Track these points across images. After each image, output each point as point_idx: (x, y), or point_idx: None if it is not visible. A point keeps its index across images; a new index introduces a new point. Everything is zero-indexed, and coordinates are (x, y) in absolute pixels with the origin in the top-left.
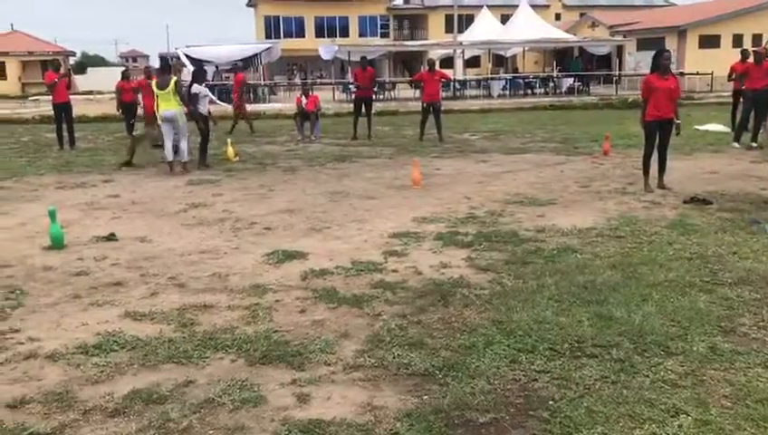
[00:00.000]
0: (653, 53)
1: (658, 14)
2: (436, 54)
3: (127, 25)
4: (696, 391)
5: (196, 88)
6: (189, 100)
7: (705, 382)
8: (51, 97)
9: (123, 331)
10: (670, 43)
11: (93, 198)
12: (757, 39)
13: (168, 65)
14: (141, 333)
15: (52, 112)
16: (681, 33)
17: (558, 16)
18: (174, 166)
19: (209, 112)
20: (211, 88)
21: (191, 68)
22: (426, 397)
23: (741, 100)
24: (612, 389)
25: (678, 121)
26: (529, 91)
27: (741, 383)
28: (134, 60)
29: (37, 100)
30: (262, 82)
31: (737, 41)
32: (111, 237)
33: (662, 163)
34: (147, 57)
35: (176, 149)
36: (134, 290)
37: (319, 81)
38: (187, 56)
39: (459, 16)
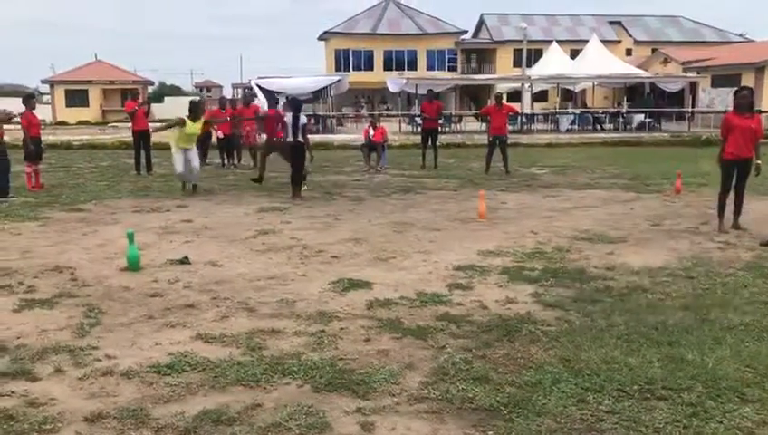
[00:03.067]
0: (728, 89)
1: (734, 51)
2: (503, 88)
3: (202, 56)
4: None
5: (304, 119)
6: (303, 132)
7: None
8: (130, 124)
9: (194, 352)
10: (747, 80)
11: (168, 222)
12: None
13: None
14: (212, 354)
15: (131, 139)
16: (759, 69)
17: (629, 52)
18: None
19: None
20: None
21: (262, 98)
22: (490, 433)
23: None
24: (684, 433)
25: (759, 162)
26: (598, 127)
27: None
28: (208, 90)
29: (116, 126)
30: (330, 114)
31: None
32: (185, 261)
33: (738, 203)
34: (220, 87)
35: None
36: (205, 313)
37: (386, 113)
38: (259, 87)
39: (528, 51)
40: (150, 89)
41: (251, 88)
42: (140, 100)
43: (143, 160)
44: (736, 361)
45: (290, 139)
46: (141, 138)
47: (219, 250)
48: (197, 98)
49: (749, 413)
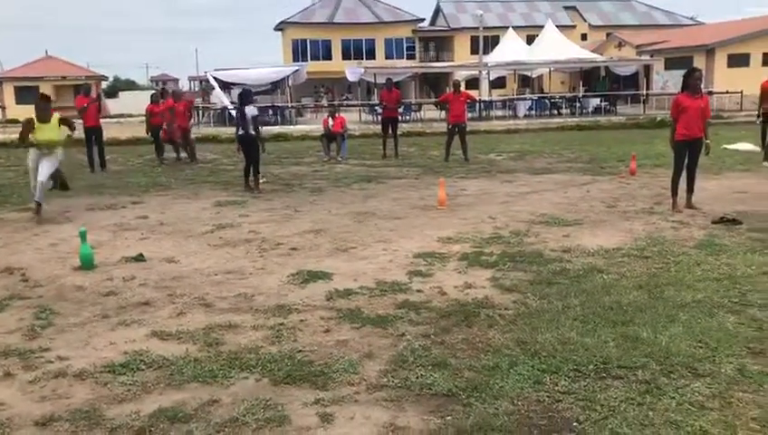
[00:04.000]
0: (681, 72)
1: (686, 34)
2: (461, 75)
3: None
4: (724, 414)
5: (251, 110)
6: (253, 123)
7: (733, 405)
8: (82, 121)
9: (150, 350)
10: (698, 62)
11: (122, 220)
12: None
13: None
14: (168, 352)
15: (83, 136)
16: (709, 51)
17: (584, 36)
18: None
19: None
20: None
21: (219, 91)
22: (449, 418)
23: None
24: (638, 411)
25: (708, 141)
26: (555, 112)
27: None
28: (164, 83)
29: None
30: (289, 105)
31: (767, 59)
32: (140, 258)
33: (691, 183)
34: (176, 81)
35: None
36: (161, 310)
37: (345, 102)
38: (216, 79)
39: (485, 38)
40: (105, 84)
41: (207, 81)
42: (92, 95)
43: (96, 157)
44: (689, 337)
45: (240, 131)
46: (93, 134)
47: (175, 246)
48: (46, 91)
49: (700, 388)
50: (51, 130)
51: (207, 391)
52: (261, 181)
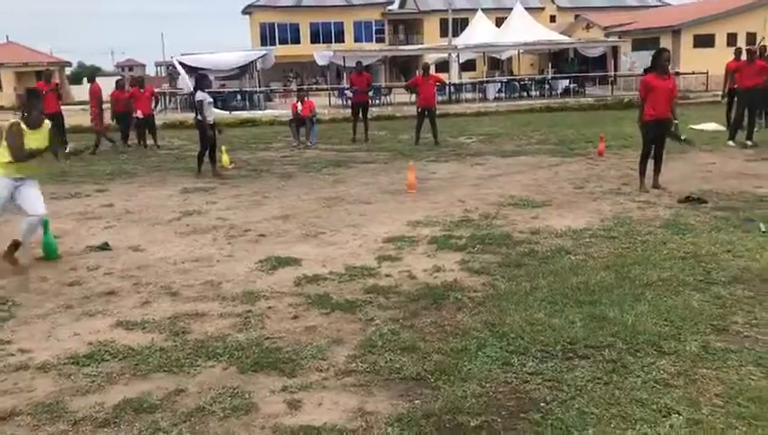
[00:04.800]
0: (648, 53)
1: (653, 15)
2: (431, 58)
3: (123, 35)
4: (688, 391)
5: (200, 95)
6: (200, 108)
7: (698, 382)
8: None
9: (115, 340)
10: (665, 43)
11: (87, 208)
12: (751, 37)
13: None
14: (133, 342)
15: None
16: (676, 32)
17: (553, 18)
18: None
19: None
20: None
21: (185, 76)
22: (417, 401)
23: (735, 98)
24: (604, 390)
25: (676, 121)
26: (524, 94)
27: (733, 382)
28: (131, 69)
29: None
30: (258, 89)
31: (731, 40)
32: (105, 247)
33: (658, 163)
34: (143, 66)
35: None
36: (126, 299)
37: (315, 86)
38: (182, 64)
39: (454, 20)
40: (68, 70)
41: (174, 66)
42: (55, 82)
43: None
44: (655, 315)
45: (199, 117)
46: (52, 121)
47: (141, 234)
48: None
49: (665, 365)
50: (41, 141)
51: (173, 380)
52: (230, 167)
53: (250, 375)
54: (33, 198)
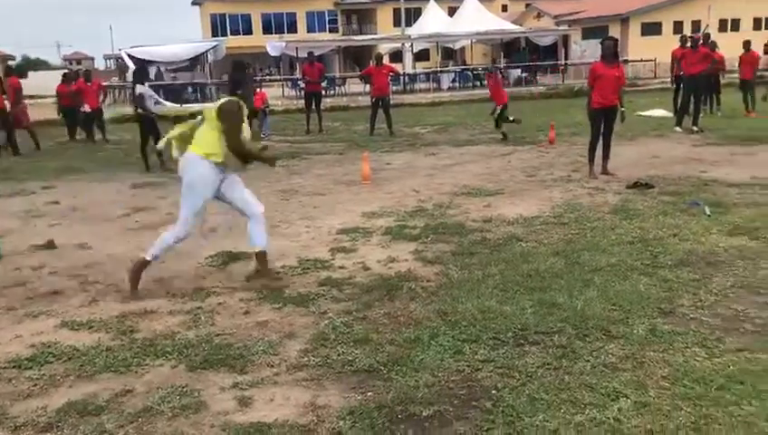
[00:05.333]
0: (598, 41)
1: (602, 3)
2: (385, 48)
3: (70, 28)
4: (636, 374)
5: (139, 88)
6: (134, 101)
7: (645, 364)
8: None
9: (59, 341)
10: (614, 31)
11: (32, 206)
12: (696, 25)
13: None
14: (78, 342)
15: None
16: (624, 21)
17: (504, 8)
18: None
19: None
20: (156, 88)
21: (133, 68)
22: (369, 393)
23: (681, 85)
24: (554, 375)
25: (623, 109)
26: (478, 84)
27: (678, 364)
28: (78, 62)
29: None
30: (209, 81)
31: (678, 27)
32: (50, 246)
33: (606, 150)
34: (92, 59)
35: None
36: (72, 299)
37: (268, 78)
38: (130, 57)
39: (407, 10)
40: (12, 63)
41: (123, 58)
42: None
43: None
44: (603, 300)
45: (140, 110)
46: None
47: (89, 232)
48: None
49: (614, 349)
50: None
51: (120, 380)
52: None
53: (199, 373)
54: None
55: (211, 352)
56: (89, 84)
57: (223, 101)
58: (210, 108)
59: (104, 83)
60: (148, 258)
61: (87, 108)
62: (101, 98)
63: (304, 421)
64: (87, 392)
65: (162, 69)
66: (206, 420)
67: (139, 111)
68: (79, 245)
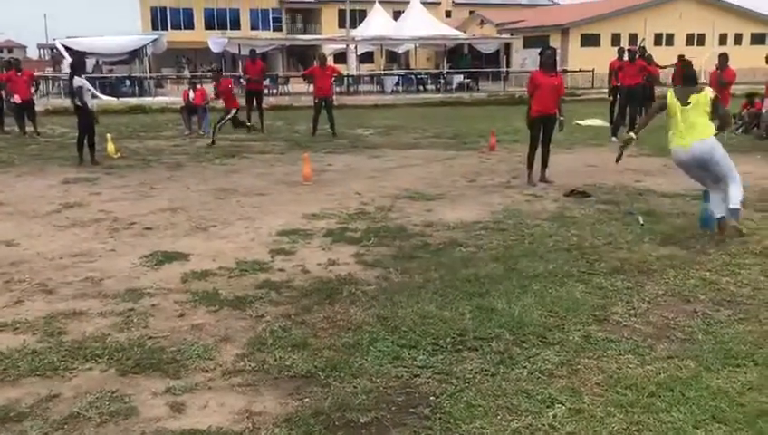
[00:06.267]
0: (538, 50)
1: (543, 13)
2: (329, 49)
3: (2, 15)
4: (571, 381)
5: (78, 81)
6: (72, 94)
7: (579, 371)
8: None
9: None
10: (554, 42)
11: None
12: (633, 38)
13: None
14: (2, 345)
15: None
16: (564, 31)
17: (448, 14)
18: None
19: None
20: (92, 81)
21: (70, 60)
22: (306, 400)
23: (618, 96)
24: (491, 381)
25: (562, 118)
26: (421, 88)
27: (612, 371)
28: (10, 51)
29: None
30: (148, 75)
31: (616, 40)
32: None
33: (545, 157)
34: (24, 48)
35: None
36: None
37: (209, 74)
38: (66, 48)
39: (352, 11)
40: None
41: (58, 49)
42: None
43: None
44: (540, 306)
45: (77, 102)
46: None
47: (16, 228)
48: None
49: (550, 356)
50: None
51: (46, 385)
52: (117, 156)
53: (131, 377)
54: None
55: (143, 356)
56: (19, 74)
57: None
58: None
59: (37, 73)
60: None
61: (17, 99)
62: (33, 89)
63: (239, 429)
64: (9, 398)
65: (99, 61)
66: (136, 426)
67: (77, 103)
68: (5, 241)
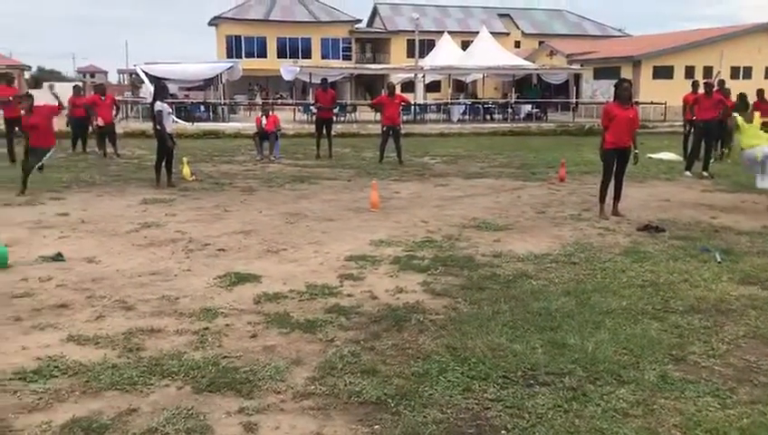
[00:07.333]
0: (609, 81)
1: (614, 45)
2: (397, 78)
3: (86, 40)
4: (647, 421)
5: (159, 105)
6: (153, 117)
7: (656, 412)
8: (2, 112)
9: (65, 355)
10: (626, 73)
11: (41, 216)
12: (708, 71)
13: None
14: (84, 358)
15: (3, 127)
16: (636, 63)
17: (517, 44)
18: None
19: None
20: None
21: (149, 85)
22: (377, 426)
23: (692, 130)
24: (564, 418)
25: (636, 151)
26: (488, 117)
27: (690, 413)
28: (92, 75)
29: None
30: (222, 101)
31: (689, 72)
32: (58, 258)
33: (617, 191)
34: (105, 73)
35: None
36: (79, 313)
37: (280, 101)
38: (145, 73)
39: (420, 41)
40: (27, 74)
41: (137, 74)
42: (15, 86)
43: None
44: (614, 343)
45: (158, 126)
46: (16, 125)
47: (97, 245)
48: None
49: (625, 394)
50: None
51: (126, 399)
52: (191, 179)
53: (206, 396)
54: None
55: (218, 375)
56: (103, 99)
57: None
58: None
59: (117, 97)
60: None
61: (100, 121)
62: (114, 112)
63: None
64: (92, 409)
65: (176, 87)
66: None
67: (158, 127)
68: (87, 258)
